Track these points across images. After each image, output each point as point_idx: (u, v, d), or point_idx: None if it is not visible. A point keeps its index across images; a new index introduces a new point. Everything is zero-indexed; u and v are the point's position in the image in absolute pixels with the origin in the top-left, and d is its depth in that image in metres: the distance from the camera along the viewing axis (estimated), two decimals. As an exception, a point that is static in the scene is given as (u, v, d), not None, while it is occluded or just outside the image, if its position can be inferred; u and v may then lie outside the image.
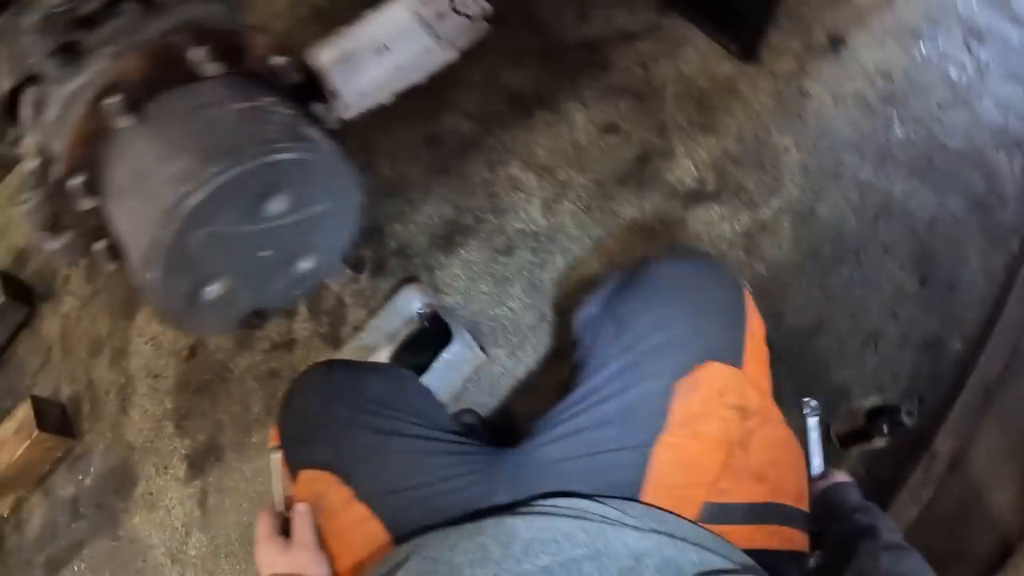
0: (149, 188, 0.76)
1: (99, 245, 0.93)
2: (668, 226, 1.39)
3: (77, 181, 0.84)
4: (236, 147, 0.75)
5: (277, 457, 0.86)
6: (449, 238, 1.51)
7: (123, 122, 0.79)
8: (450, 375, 1.29)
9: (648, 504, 0.75)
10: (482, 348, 1.31)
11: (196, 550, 1.40)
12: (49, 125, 0.86)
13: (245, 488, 1.40)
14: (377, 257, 1.53)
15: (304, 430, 0.88)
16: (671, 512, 0.73)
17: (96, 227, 0.90)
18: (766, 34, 1.53)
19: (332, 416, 0.87)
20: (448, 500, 0.82)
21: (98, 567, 1.45)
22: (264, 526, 0.80)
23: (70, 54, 0.85)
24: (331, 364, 0.94)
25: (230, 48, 0.85)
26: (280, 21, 1.97)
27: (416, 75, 1.76)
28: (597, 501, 0.71)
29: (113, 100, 0.80)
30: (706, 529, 0.72)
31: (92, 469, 1.54)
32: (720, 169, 1.46)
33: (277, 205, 0.80)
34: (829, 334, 1.31)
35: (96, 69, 0.83)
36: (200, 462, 1.46)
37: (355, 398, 0.88)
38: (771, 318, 1.22)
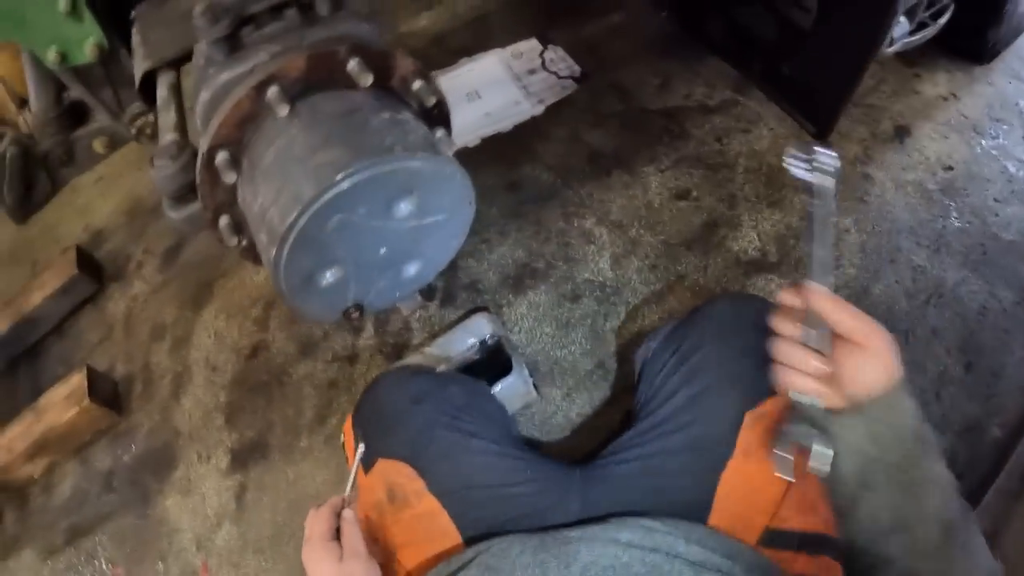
0: (298, 172, 0.86)
1: (224, 220, 1.02)
2: (727, 290, 1.51)
3: (224, 155, 0.94)
4: (385, 148, 0.84)
5: (361, 449, 0.93)
6: (519, 279, 1.67)
7: (282, 110, 0.89)
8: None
9: (712, 527, 0.82)
10: (536, 387, 1.44)
11: (224, 541, 1.47)
12: (201, 104, 0.97)
13: (285, 490, 1.49)
14: (448, 288, 1.69)
15: (386, 422, 0.96)
16: (733, 537, 0.80)
17: (224, 203, 1.00)
18: (840, 115, 1.65)
19: (415, 412, 0.96)
20: (519, 505, 0.90)
21: (121, 541, 1.53)
22: (322, 526, 0.83)
23: (235, 43, 0.97)
24: (415, 369, 1.05)
25: (379, 64, 0.94)
26: (381, 61, 2.14)
27: (503, 124, 1.93)
28: (663, 523, 0.79)
29: (275, 89, 0.90)
30: (764, 555, 0.79)
31: (133, 447, 1.65)
32: (782, 242, 1.59)
33: (405, 207, 0.90)
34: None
35: (258, 61, 0.95)
36: (244, 457, 1.57)
37: (437, 400, 0.98)
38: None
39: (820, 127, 1.75)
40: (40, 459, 1.64)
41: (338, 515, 0.84)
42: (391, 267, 1.01)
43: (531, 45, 2.15)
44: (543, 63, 2.09)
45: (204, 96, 0.96)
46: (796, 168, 0.70)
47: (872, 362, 0.63)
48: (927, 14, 1.61)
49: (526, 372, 1.45)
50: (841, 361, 0.63)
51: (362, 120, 0.90)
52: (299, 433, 1.57)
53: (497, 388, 1.39)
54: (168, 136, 1.05)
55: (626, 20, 2.16)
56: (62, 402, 1.60)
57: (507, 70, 2.10)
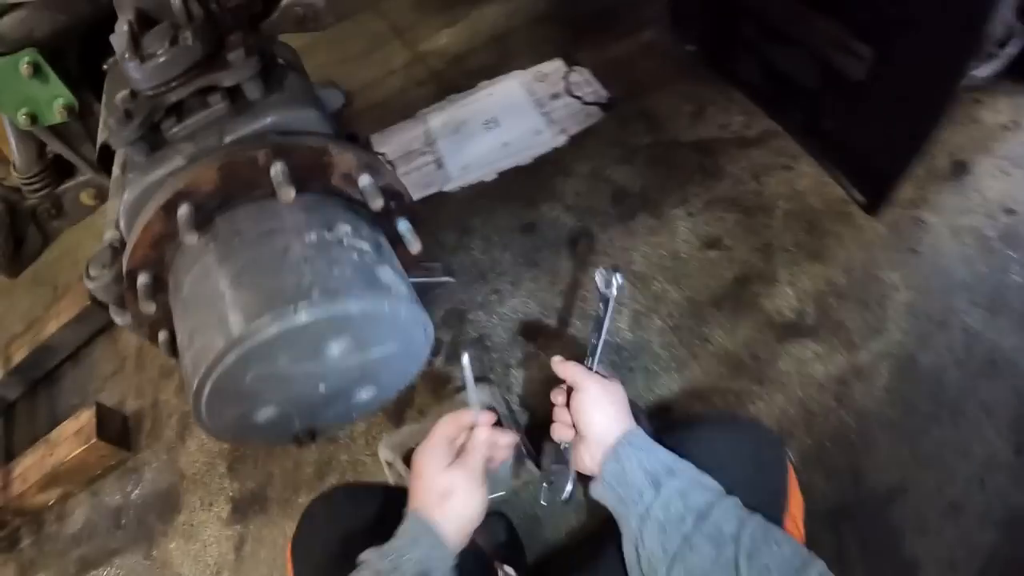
0: (208, 318, 0.81)
1: (163, 335, 1.00)
2: (757, 360, 1.44)
3: (143, 280, 0.90)
4: (303, 292, 0.77)
5: (466, 363, 0.94)
6: (531, 337, 1.62)
7: (190, 238, 0.83)
8: (495, 484, 1.34)
9: None
10: (538, 463, 1.36)
11: (223, 592, 1.48)
12: (124, 210, 0.93)
13: (283, 545, 1.49)
14: (454, 342, 1.66)
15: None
16: None
17: (159, 319, 0.97)
18: (898, 187, 1.51)
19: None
20: None
21: (127, 579, 1.56)
22: (448, 429, 0.88)
23: (152, 141, 0.93)
24: (364, 491, 1.03)
25: (312, 163, 0.89)
26: (395, 79, 2.08)
27: (522, 156, 1.87)
28: None
29: (184, 210, 0.84)
30: None
31: (141, 485, 1.71)
32: (822, 302, 1.49)
33: (338, 347, 0.84)
34: (909, 500, 1.34)
35: (173, 166, 0.90)
36: (244, 508, 1.58)
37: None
38: (850, 476, 1.29)
39: (871, 197, 1.60)
40: (53, 489, 1.73)
41: (470, 430, 0.90)
42: (339, 398, 0.95)
43: (555, 66, 2.04)
44: (567, 87, 1.99)
45: (127, 199, 0.92)
46: (599, 280, 0.98)
47: (583, 398, 0.92)
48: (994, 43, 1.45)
49: (524, 451, 1.38)
50: (572, 406, 0.93)
51: (281, 248, 0.83)
52: (298, 488, 1.57)
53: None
54: (108, 234, 1.02)
55: (657, 38, 2.05)
56: (72, 437, 1.69)
57: (528, 94, 2.00)
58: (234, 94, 0.94)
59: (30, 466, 1.70)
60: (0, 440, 1.90)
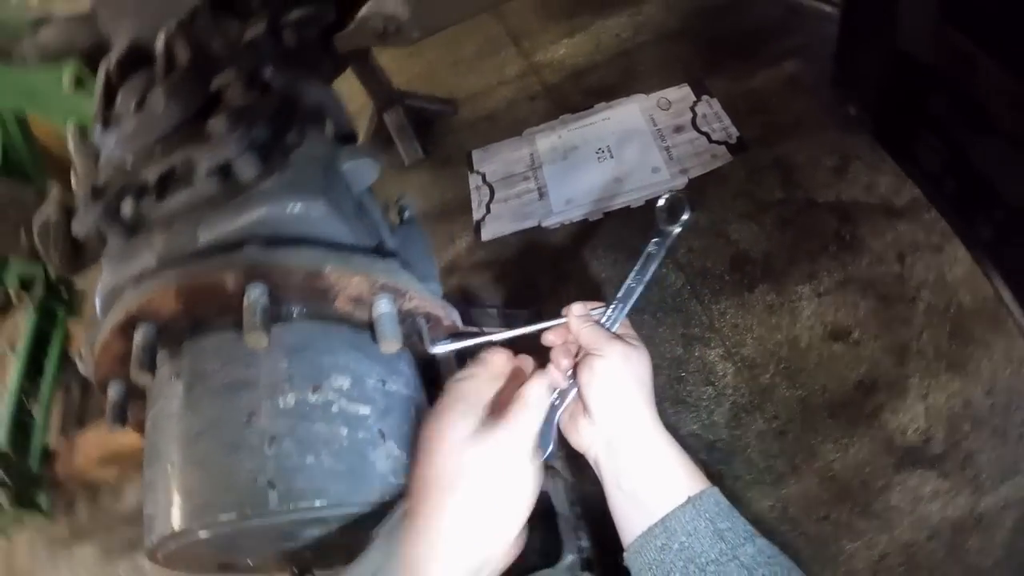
0: (159, 480, 0.71)
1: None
2: (867, 488, 1.40)
3: (113, 394, 0.79)
4: (258, 493, 0.64)
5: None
6: None
7: (142, 379, 0.69)
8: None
9: None
10: (589, 567, 1.34)
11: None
12: (100, 300, 0.81)
13: None
14: None
15: None
16: None
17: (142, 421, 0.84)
18: None
19: None
20: None
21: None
22: (472, 383, 0.75)
23: (130, 221, 0.79)
24: None
25: (305, 288, 0.73)
26: (506, 89, 2.05)
27: (634, 196, 1.85)
28: None
29: (140, 338, 0.70)
30: None
31: None
32: (954, 426, 1.43)
33: (314, 531, 0.73)
34: None
35: (142, 266, 0.75)
36: None
37: None
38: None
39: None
40: (111, 467, 1.87)
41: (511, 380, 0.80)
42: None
43: (682, 93, 1.98)
44: (693, 119, 1.92)
45: (100, 290, 0.80)
46: (662, 207, 0.95)
47: (599, 367, 0.79)
48: None
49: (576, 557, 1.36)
50: (580, 369, 0.82)
51: (245, 413, 0.68)
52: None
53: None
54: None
55: (803, 71, 1.93)
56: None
57: (649, 123, 1.95)
58: (226, 169, 0.76)
59: (92, 442, 1.86)
60: (75, 407, 2.05)
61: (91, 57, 1.18)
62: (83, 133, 1.12)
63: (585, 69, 2.10)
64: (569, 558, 1.33)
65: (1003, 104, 1.31)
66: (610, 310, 0.89)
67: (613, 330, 0.87)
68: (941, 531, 1.37)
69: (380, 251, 0.84)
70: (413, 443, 0.74)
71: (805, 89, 1.93)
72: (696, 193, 1.82)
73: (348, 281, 0.74)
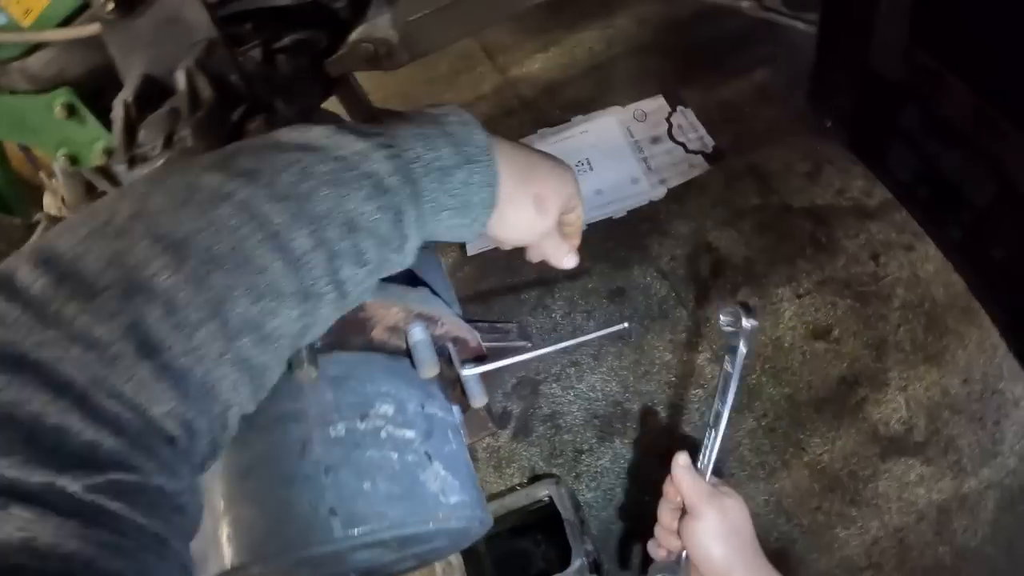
0: (211, 509, 0.71)
1: None
2: (855, 477, 1.49)
3: None
4: (320, 522, 0.66)
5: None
6: (607, 421, 1.67)
7: None
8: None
9: None
10: (599, 566, 1.40)
11: None
12: None
13: None
14: (524, 416, 1.70)
15: None
16: None
17: None
18: None
19: None
20: None
21: None
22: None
23: None
24: None
25: (349, 320, 0.74)
26: (483, 105, 2.12)
27: (615, 207, 1.91)
28: None
29: None
30: None
31: None
32: (934, 415, 1.53)
33: (371, 554, 0.76)
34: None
35: None
36: None
37: None
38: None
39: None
40: None
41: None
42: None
43: (657, 104, 2.07)
44: (669, 129, 2.00)
45: None
46: (728, 326, 0.95)
47: (699, 529, 0.92)
48: None
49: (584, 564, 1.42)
50: (684, 530, 0.94)
51: (298, 444, 0.71)
52: None
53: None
54: None
55: (773, 79, 2.03)
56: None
57: (626, 135, 2.03)
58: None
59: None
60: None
61: (83, 85, 1.20)
62: (74, 161, 1.17)
63: (561, 83, 2.17)
64: (578, 562, 1.40)
65: (968, 118, 1.41)
66: (706, 439, 0.99)
67: (712, 457, 0.99)
68: (928, 514, 1.46)
69: (410, 279, 0.87)
70: (454, 462, 0.80)
71: (775, 97, 2.03)
72: (676, 202, 1.91)
73: (387, 312, 0.78)
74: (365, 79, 2.20)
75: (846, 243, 1.78)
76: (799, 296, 1.73)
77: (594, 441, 1.65)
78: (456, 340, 0.87)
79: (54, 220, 1.41)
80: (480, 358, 0.91)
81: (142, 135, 0.86)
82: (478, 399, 0.86)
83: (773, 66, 2.08)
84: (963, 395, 1.56)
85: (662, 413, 1.65)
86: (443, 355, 0.85)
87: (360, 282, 0.53)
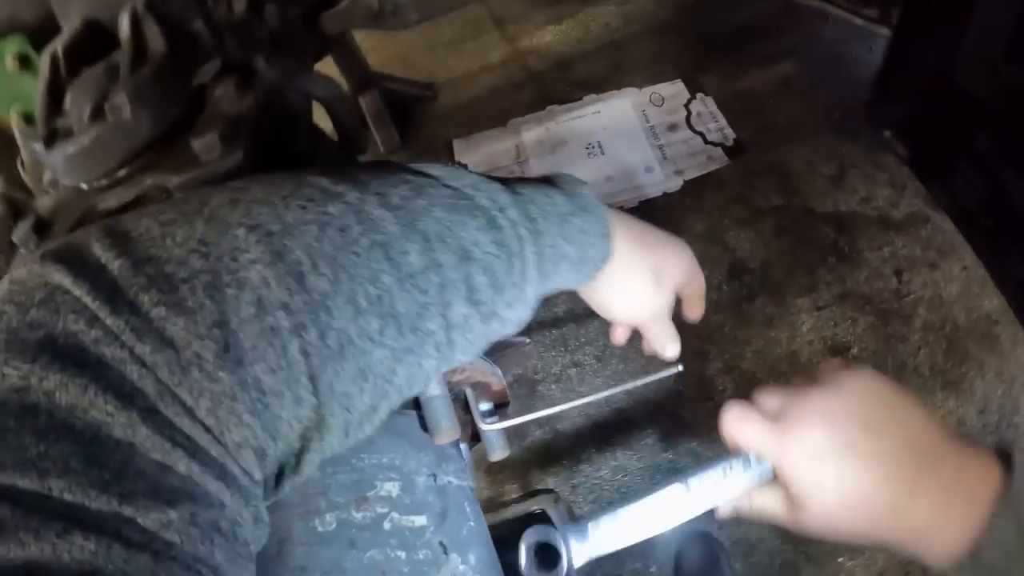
0: None
1: None
2: None
3: None
4: None
5: None
6: (609, 431, 1.59)
7: None
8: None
9: None
10: None
11: None
12: None
13: None
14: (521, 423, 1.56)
15: None
16: None
17: None
18: None
19: None
20: None
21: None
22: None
23: None
24: None
25: None
26: (489, 76, 2.00)
27: (626, 196, 2.02)
28: None
29: None
30: None
31: None
32: None
33: None
34: None
35: None
36: None
37: None
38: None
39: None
40: None
41: None
42: None
43: (676, 89, 1.97)
44: (688, 117, 1.91)
45: None
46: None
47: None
48: None
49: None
50: None
51: (273, 543, 0.53)
52: None
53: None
54: None
55: (797, 72, 1.92)
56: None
57: (642, 119, 1.94)
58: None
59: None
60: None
61: (39, 34, 1.07)
62: (29, 120, 1.01)
63: (573, 58, 2.07)
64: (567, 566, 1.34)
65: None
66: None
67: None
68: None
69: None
70: (475, 548, 0.62)
71: (799, 91, 1.95)
72: (691, 196, 1.83)
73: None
74: (362, 39, 2.09)
75: (869, 255, 1.71)
76: (818, 308, 1.66)
77: (593, 451, 1.58)
78: (475, 384, 0.73)
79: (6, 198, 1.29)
80: (502, 405, 0.77)
81: (68, 100, 0.64)
82: (498, 452, 0.73)
83: (797, 58, 2.00)
84: (979, 426, 1.50)
85: (667, 423, 1.58)
86: (458, 399, 0.71)
87: (470, 329, 0.45)
